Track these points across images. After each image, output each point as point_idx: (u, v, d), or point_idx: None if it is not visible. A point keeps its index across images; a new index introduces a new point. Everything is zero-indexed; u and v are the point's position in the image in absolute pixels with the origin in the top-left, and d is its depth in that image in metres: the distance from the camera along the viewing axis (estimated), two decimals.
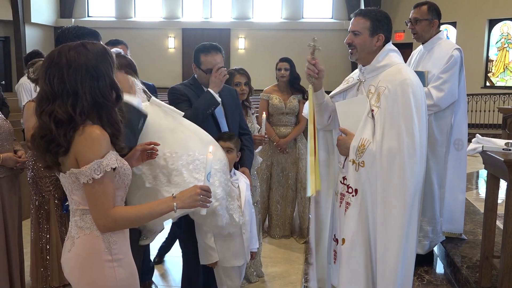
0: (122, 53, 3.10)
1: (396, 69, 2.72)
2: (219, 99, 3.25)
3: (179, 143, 2.73)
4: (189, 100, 3.27)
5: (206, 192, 2.10)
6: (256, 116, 4.21)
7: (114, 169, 1.92)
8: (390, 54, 2.78)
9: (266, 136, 4.10)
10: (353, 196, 2.72)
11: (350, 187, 2.73)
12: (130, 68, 2.95)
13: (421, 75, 3.88)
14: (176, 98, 3.28)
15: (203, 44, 3.36)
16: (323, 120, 3.05)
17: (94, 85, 1.90)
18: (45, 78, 1.89)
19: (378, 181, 2.64)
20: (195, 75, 3.41)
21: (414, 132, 2.59)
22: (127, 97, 2.41)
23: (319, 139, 3.00)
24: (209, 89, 3.24)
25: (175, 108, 2.90)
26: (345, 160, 2.81)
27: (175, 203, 2.02)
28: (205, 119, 3.19)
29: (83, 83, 1.88)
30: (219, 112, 3.38)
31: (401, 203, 2.61)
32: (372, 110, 2.68)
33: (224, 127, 3.39)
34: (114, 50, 2.93)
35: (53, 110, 1.86)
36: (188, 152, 2.70)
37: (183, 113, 2.91)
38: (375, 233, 2.68)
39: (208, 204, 2.13)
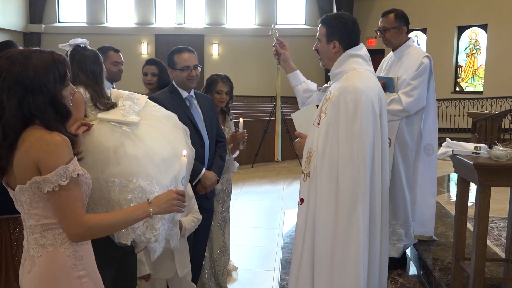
0: None
1: (346, 76, 2.68)
2: None
3: (120, 168, 2.28)
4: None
5: (181, 196, 2.05)
6: (234, 122, 4.15)
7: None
8: (351, 60, 2.72)
9: (246, 133, 3.93)
10: (299, 205, 2.74)
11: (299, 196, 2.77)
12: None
13: (390, 81, 3.95)
14: None
15: (175, 47, 3.45)
16: (302, 101, 3.22)
17: (29, 99, 1.78)
18: None
19: (318, 189, 2.63)
20: (173, 82, 3.41)
21: (352, 139, 2.55)
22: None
23: None
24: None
25: (132, 116, 2.45)
26: None
27: (151, 209, 1.95)
28: None
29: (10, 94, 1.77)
30: (199, 120, 3.42)
31: (334, 210, 2.59)
32: (320, 117, 2.68)
33: (205, 135, 3.41)
34: None
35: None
36: (128, 178, 2.27)
37: (138, 119, 2.44)
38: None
39: (182, 208, 2.08)
